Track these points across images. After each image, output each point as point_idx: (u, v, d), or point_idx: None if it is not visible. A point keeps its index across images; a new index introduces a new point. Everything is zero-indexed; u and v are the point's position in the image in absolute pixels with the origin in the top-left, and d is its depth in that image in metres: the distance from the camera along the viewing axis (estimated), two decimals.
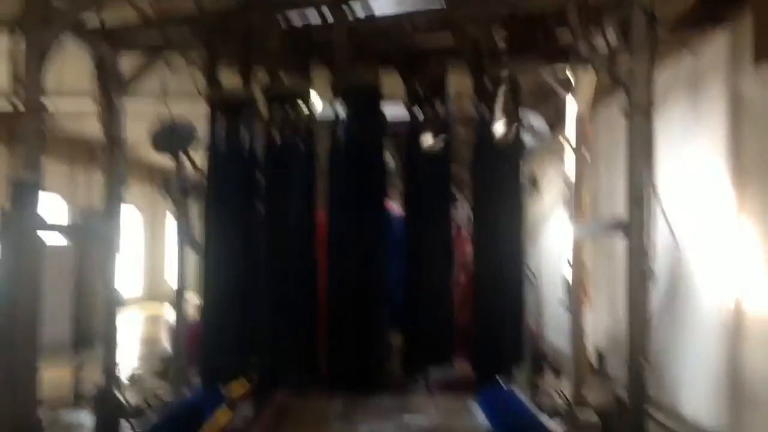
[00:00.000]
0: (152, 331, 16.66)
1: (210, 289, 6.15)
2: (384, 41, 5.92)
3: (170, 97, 7.72)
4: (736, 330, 7.23)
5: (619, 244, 9.69)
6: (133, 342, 15.13)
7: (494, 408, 6.40)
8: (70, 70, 6.91)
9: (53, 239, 13.16)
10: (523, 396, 6.71)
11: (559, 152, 7.65)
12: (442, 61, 5.95)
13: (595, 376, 8.15)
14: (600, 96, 8.98)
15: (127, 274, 21.07)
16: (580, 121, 7.06)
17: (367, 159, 5.90)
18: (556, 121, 10.54)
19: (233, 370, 6.18)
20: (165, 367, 8.43)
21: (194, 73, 6.90)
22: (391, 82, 6.14)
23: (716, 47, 7.42)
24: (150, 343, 14.96)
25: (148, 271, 23.85)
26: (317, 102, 6.57)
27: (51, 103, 10.98)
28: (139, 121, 7.63)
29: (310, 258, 6.07)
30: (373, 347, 5.89)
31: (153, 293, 21.86)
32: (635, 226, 5.49)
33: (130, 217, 24.07)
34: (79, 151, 17.89)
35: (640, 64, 5.40)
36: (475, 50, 5.62)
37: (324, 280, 6.02)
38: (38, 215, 5.41)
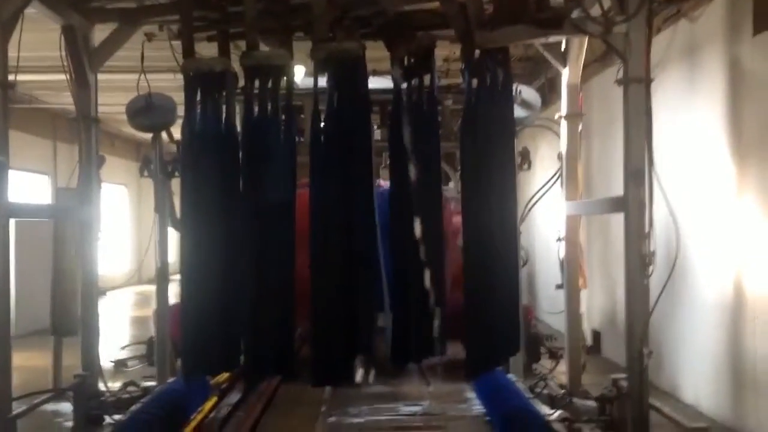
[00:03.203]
0: (140, 312, 16.45)
1: (188, 272, 5.86)
2: (366, 7, 5.59)
3: (150, 70, 7.42)
4: (737, 311, 7.05)
5: (615, 222, 9.56)
6: (120, 325, 14.96)
7: (490, 394, 6.19)
8: (48, 43, 6.56)
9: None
10: (520, 382, 6.50)
11: (551, 126, 7.40)
12: (429, 28, 5.63)
13: (591, 358, 7.95)
14: (592, 68, 8.75)
15: (115, 254, 20.88)
16: (572, 92, 6.80)
17: (351, 131, 5.60)
18: (548, 95, 10.31)
19: (216, 360, 5.90)
20: (149, 352, 8.21)
21: (172, 44, 6.57)
22: (374, 53, 5.84)
23: (714, 16, 7.18)
24: (137, 325, 14.79)
25: (136, 251, 23.57)
26: (298, 73, 6.29)
27: (28, 77, 10.68)
28: (119, 93, 7.36)
29: (291, 238, 5.79)
30: (361, 333, 5.62)
31: (140, 273, 21.62)
32: (633, 203, 5.24)
33: (117, 196, 23.82)
34: (61, 126, 17.62)
35: (637, 32, 5.13)
36: (464, 17, 5.31)
37: (307, 261, 5.74)
38: (6, 200, 5.13)
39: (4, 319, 5.18)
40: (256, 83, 5.72)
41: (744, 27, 6.71)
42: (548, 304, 11.95)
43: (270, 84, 5.71)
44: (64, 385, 6.38)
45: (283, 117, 5.80)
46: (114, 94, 9.88)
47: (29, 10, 5.68)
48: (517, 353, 6.26)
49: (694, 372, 7.79)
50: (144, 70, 7.15)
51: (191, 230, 5.94)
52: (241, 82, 5.85)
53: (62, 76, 6.58)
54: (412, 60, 5.74)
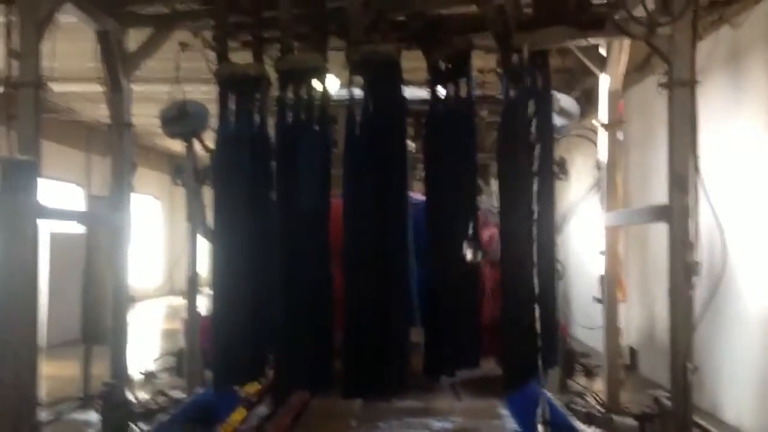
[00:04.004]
0: (171, 324, 16.44)
1: (220, 282, 5.78)
2: (402, 10, 5.49)
3: (184, 80, 7.41)
4: None
5: (654, 233, 9.35)
6: (150, 336, 14.94)
7: (525, 411, 5.99)
8: (85, 53, 6.56)
9: (68, 228, 13.09)
10: (555, 399, 6.30)
11: (589, 136, 7.23)
12: (466, 32, 5.50)
13: (628, 375, 7.73)
14: (631, 77, 8.55)
15: (146, 265, 20.94)
16: (613, 99, 6.63)
17: (386, 136, 5.47)
18: (586, 104, 10.13)
19: (247, 369, 5.79)
20: (179, 363, 8.14)
21: (206, 53, 6.54)
22: (408, 63, 5.72)
23: (758, 21, 6.98)
24: (167, 337, 14.75)
25: (167, 262, 23.63)
26: (333, 82, 6.20)
27: (65, 87, 10.75)
28: (153, 105, 7.34)
29: (325, 249, 5.67)
30: (395, 347, 5.47)
31: (172, 285, 21.65)
32: (678, 211, 5.05)
33: (149, 207, 23.96)
34: (95, 138, 17.76)
35: (682, 34, 4.97)
36: (502, 18, 5.19)
37: (341, 274, 5.62)
38: (36, 200, 5.08)
39: (32, 324, 5.10)
40: (291, 89, 5.64)
41: None
42: (582, 319, 11.73)
43: (305, 89, 5.62)
44: (92, 394, 6.30)
45: (318, 125, 5.69)
46: (148, 106, 9.89)
47: (65, 18, 5.69)
48: (554, 367, 6.07)
49: (737, 390, 7.52)
50: (178, 80, 7.13)
51: (223, 239, 5.86)
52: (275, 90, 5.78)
53: (97, 87, 6.59)
54: (449, 65, 5.63)
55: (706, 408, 7.51)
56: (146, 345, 13.01)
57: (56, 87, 6.22)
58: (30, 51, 5.24)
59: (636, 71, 9.20)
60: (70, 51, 7.22)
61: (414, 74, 6.72)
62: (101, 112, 6.85)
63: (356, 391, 5.69)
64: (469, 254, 5.41)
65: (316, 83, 5.61)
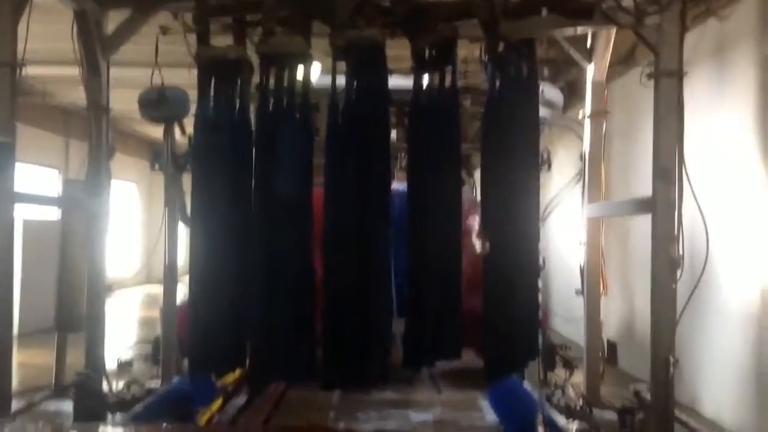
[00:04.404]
0: (149, 312, 16.30)
1: (197, 270, 5.64)
2: None
3: (165, 65, 7.26)
4: (764, 321, 6.79)
5: (634, 226, 9.34)
6: (128, 324, 14.80)
7: (506, 403, 5.96)
8: (64, 35, 6.40)
9: (42, 214, 12.90)
10: (536, 392, 6.26)
11: (573, 127, 7.19)
12: (452, 19, 5.40)
13: (607, 368, 7.71)
14: (614, 70, 8.52)
15: (126, 252, 20.74)
16: (597, 89, 6.58)
17: (369, 122, 5.37)
18: (569, 96, 10.09)
19: (224, 359, 5.69)
20: (155, 352, 8.02)
21: (188, 38, 6.40)
22: (391, 51, 5.61)
23: (746, 14, 6.96)
24: (145, 325, 14.62)
25: (146, 250, 23.42)
26: (315, 70, 6.08)
27: (42, 71, 10.55)
28: (133, 90, 7.20)
29: (306, 238, 5.57)
30: (375, 337, 5.40)
31: (150, 272, 21.47)
32: (662, 203, 5.01)
33: (128, 194, 23.74)
34: (74, 122, 17.57)
35: (670, 24, 4.93)
36: (489, 6, 5.09)
37: (321, 264, 5.52)
38: (11, 184, 4.95)
39: (8, 312, 4.99)
40: (273, 74, 5.53)
41: None
42: (561, 311, 11.74)
43: (287, 74, 5.50)
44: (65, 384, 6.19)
45: (299, 113, 5.58)
46: (128, 91, 9.74)
47: None
48: (536, 359, 6.02)
49: (716, 384, 7.52)
50: (158, 64, 6.99)
51: (201, 225, 5.73)
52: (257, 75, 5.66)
53: (75, 70, 6.43)
54: (434, 52, 5.53)
55: (685, 402, 7.50)
56: (123, 333, 12.88)
57: (33, 69, 6.06)
58: (5, 30, 5.10)
59: (619, 64, 9.17)
60: (46, 31, 7.07)
61: (397, 63, 6.64)
62: (80, 95, 6.67)
63: (336, 382, 5.61)
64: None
65: (299, 69, 5.50)
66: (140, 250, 23.43)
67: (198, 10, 5.64)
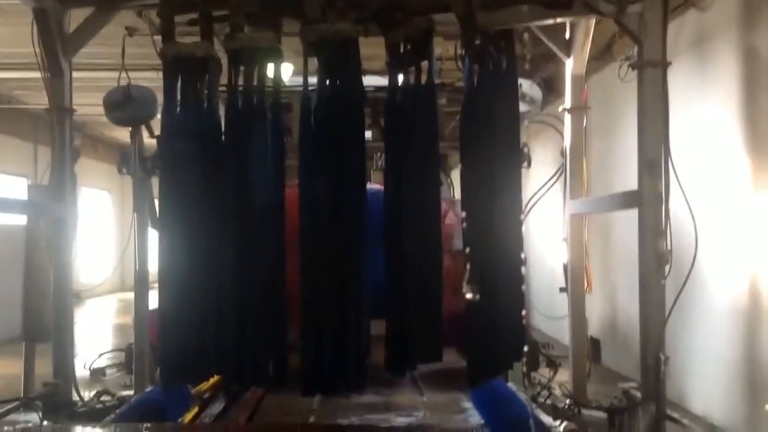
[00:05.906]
0: (122, 319, 16.04)
1: (167, 274, 5.45)
2: None
3: (133, 67, 7.06)
4: (752, 316, 6.69)
5: (616, 222, 9.23)
6: (100, 332, 14.55)
7: (491, 405, 5.79)
8: (29, 38, 6.17)
9: (6, 220, 12.60)
10: (521, 392, 6.12)
11: (552, 122, 7.05)
12: (427, 12, 5.23)
13: (592, 367, 7.59)
14: (591, 65, 8.40)
15: (98, 260, 20.42)
16: (577, 83, 6.45)
17: (343, 119, 5.20)
18: (546, 92, 9.97)
19: (196, 367, 5.49)
20: (128, 360, 7.81)
21: (155, 40, 6.19)
22: (365, 50, 5.43)
23: (726, 4, 6.88)
24: (118, 332, 14.38)
25: (119, 256, 23.11)
26: (285, 71, 5.91)
27: (9, 74, 10.27)
28: (101, 93, 6.99)
29: (279, 242, 5.39)
30: (354, 340, 5.23)
31: (123, 280, 21.16)
32: (648, 196, 4.87)
33: (99, 201, 23.41)
34: (43, 127, 17.23)
35: (653, 12, 4.79)
36: None
37: (296, 266, 5.34)
38: None
39: None
40: (242, 71, 5.33)
41: (760, 14, 6.40)
42: (543, 309, 11.62)
43: (257, 71, 5.31)
44: (33, 395, 5.96)
45: (271, 112, 5.39)
46: (95, 95, 9.52)
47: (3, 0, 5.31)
48: (521, 360, 5.88)
49: (704, 381, 7.43)
50: (125, 67, 6.77)
51: (170, 230, 5.54)
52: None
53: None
54: (409, 46, 5.36)
55: (673, 398, 7.39)
56: (95, 341, 12.63)
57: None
58: None
59: (596, 60, 9.07)
60: (14, 36, 6.85)
61: (371, 63, 6.47)
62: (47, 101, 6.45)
63: (315, 387, 5.44)
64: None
65: (269, 66, 5.30)
66: (113, 258, 23.13)
67: (162, 5, 5.42)
